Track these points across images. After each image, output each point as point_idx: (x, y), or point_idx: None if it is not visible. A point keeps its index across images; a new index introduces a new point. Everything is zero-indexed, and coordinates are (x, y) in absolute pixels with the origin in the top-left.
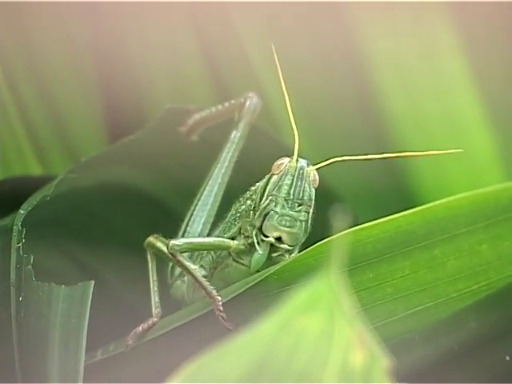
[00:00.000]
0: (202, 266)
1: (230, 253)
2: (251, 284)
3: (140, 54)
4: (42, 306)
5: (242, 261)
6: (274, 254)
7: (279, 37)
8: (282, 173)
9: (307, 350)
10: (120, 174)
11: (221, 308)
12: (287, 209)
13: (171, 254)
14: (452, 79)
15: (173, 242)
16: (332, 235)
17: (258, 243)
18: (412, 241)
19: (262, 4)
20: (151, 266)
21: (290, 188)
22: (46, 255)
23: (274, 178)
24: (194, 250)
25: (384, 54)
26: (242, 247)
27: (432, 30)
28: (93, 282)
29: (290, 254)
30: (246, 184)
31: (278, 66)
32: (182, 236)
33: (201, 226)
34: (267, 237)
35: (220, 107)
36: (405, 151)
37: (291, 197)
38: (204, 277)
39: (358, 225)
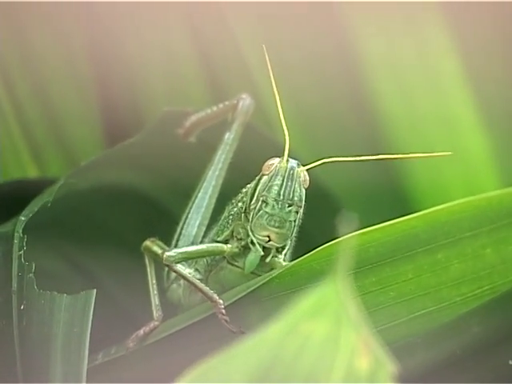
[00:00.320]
0: (196, 269)
1: (224, 256)
2: (253, 288)
3: (136, 55)
4: (44, 314)
5: (236, 263)
6: (266, 255)
7: (274, 37)
8: (272, 173)
9: (313, 354)
10: (119, 178)
11: (223, 311)
12: (277, 209)
13: (166, 265)
14: (446, 80)
15: (167, 253)
16: (334, 239)
17: (252, 244)
18: (415, 245)
19: (257, 4)
20: (150, 270)
21: (280, 188)
22: (44, 258)
23: (264, 178)
24: (188, 259)
25: (378, 55)
26: (236, 250)
27: (426, 30)
28: (95, 290)
29: (281, 253)
30: (240, 185)
31: (269, 67)
32: (178, 239)
33: (196, 229)
34: (257, 237)
35: (214, 108)
36: (399, 152)
37: (281, 197)
38: (199, 280)
39: (359, 229)
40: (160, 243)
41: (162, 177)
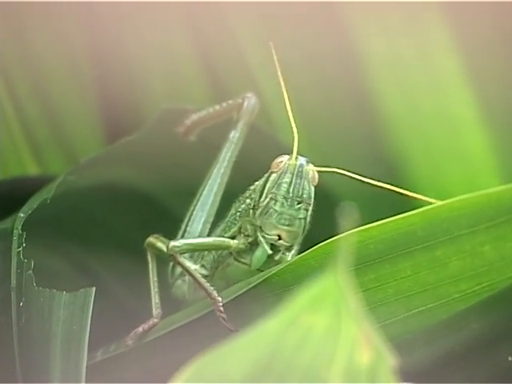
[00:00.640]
0: (203, 265)
1: (231, 252)
2: (252, 285)
3: (136, 54)
4: (43, 312)
5: (243, 260)
6: (274, 252)
7: (275, 37)
8: (281, 171)
9: (313, 348)
10: (119, 175)
11: (221, 309)
12: (286, 207)
13: (171, 255)
14: (447, 79)
15: (172, 243)
16: (333, 236)
17: (259, 242)
18: (414, 242)
19: (258, 4)
20: (151, 267)
21: (290, 186)
22: (44, 256)
23: (274, 176)
24: (193, 251)
25: (379, 54)
26: (242, 246)
27: (427, 30)
28: (94, 288)
29: (290, 251)
30: (244, 184)
31: (277, 65)
32: (182, 236)
33: (201, 226)
34: (267, 235)
35: (217, 107)
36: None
37: (290, 195)
38: (205, 276)
39: (359, 223)
40: (164, 239)
41: (161, 174)
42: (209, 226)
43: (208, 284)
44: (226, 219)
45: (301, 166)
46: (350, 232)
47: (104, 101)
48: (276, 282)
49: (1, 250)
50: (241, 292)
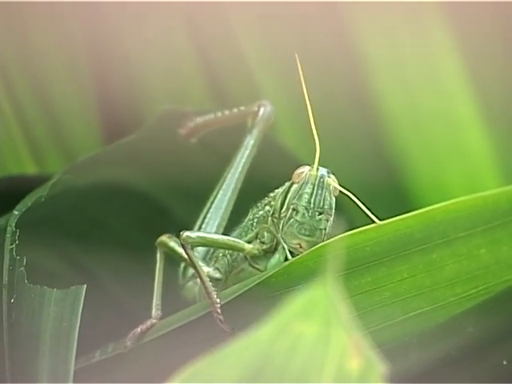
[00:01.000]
0: (217, 268)
1: (246, 257)
2: (249, 286)
3: (136, 54)
4: (33, 308)
5: (257, 266)
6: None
7: (275, 37)
8: (302, 181)
9: (303, 356)
10: (116, 175)
11: (219, 310)
12: (307, 217)
13: (182, 245)
14: (448, 78)
15: (187, 233)
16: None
17: (275, 249)
18: (410, 244)
19: (259, 4)
20: (159, 267)
21: (311, 197)
22: (40, 255)
23: (295, 186)
24: (206, 246)
25: (380, 53)
26: (256, 252)
27: (428, 29)
28: (85, 285)
29: None
30: (254, 191)
31: (302, 77)
32: None
33: (214, 229)
34: (287, 243)
35: (227, 113)
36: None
37: (312, 205)
38: (219, 280)
39: (355, 227)
40: (177, 239)
41: (160, 175)
42: (222, 229)
43: (210, 283)
44: (243, 224)
45: (322, 176)
46: (339, 237)
47: (103, 100)
48: (274, 284)
49: None
50: (238, 294)
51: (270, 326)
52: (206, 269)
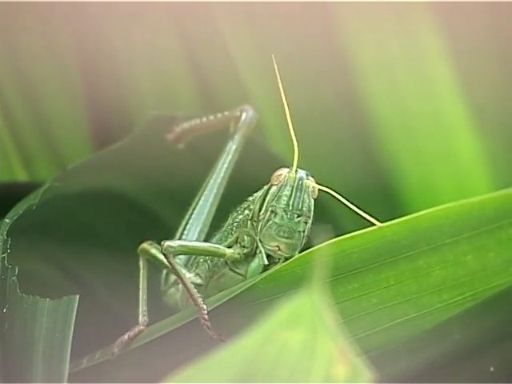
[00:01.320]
0: (197, 274)
1: (226, 262)
2: (236, 293)
3: (126, 60)
4: (26, 318)
5: (238, 270)
6: (271, 264)
7: (264, 38)
8: (281, 184)
9: (289, 364)
10: (106, 181)
11: (206, 317)
12: (286, 220)
13: (164, 254)
14: (438, 81)
15: (167, 243)
16: (316, 244)
17: (255, 253)
18: (397, 251)
19: (247, 5)
20: (142, 274)
21: (290, 199)
22: (31, 262)
23: (273, 188)
24: (188, 254)
25: (370, 55)
26: (237, 256)
27: (418, 31)
28: (77, 296)
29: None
30: (236, 195)
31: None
32: None
33: (196, 235)
34: (266, 246)
35: (212, 118)
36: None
37: (290, 208)
38: (200, 285)
39: (343, 234)
40: (158, 246)
41: (150, 180)
42: (204, 235)
43: (195, 290)
44: (223, 229)
45: (301, 179)
46: (325, 244)
47: (93, 108)
48: (261, 291)
49: None
50: (225, 300)
51: (257, 333)
52: (187, 275)
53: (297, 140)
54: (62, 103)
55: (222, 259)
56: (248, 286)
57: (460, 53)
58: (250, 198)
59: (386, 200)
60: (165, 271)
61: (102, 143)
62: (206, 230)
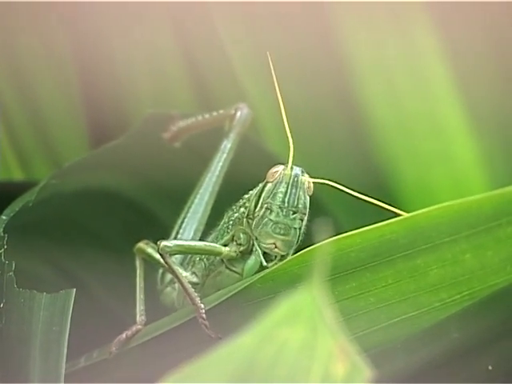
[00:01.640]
0: (194, 272)
1: (222, 260)
2: (234, 292)
3: (122, 59)
4: (23, 313)
5: (234, 268)
6: (267, 262)
7: (261, 38)
8: (276, 181)
9: (289, 361)
10: (102, 180)
11: (204, 316)
12: (282, 217)
13: (161, 254)
14: (435, 81)
15: (164, 243)
16: (315, 243)
17: (252, 251)
18: (395, 250)
19: (244, 4)
20: (139, 273)
21: (285, 196)
22: (28, 261)
23: (269, 185)
24: (184, 253)
25: (366, 55)
26: (234, 254)
27: (414, 31)
28: (74, 290)
29: (283, 260)
30: (234, 193)
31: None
32: None
33: (192, 234)
34: (262, 244)
35: (207, 116)
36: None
37: (286, 205)
38: (196, 284)
39: (341, 232)
40: (154, 245)
41: (145, 179)
42: (199, 234)
43: (192, 290)
44: (219, 227)
45: (296, 175)
46: (325, 242)
47: (89, 106)
48: (259, 289)
49: None
50: (223, 299)
51: (256, 331)
52: (184, 274)
53: (292, 139)
54: (59, 102)
55: (218, 257)
56: (246, 284)
57: (457, 53)
58: (246, 196)
59: (383, 199)
60: (161, 270)
61: (99, 142)
62: (201, 228)
